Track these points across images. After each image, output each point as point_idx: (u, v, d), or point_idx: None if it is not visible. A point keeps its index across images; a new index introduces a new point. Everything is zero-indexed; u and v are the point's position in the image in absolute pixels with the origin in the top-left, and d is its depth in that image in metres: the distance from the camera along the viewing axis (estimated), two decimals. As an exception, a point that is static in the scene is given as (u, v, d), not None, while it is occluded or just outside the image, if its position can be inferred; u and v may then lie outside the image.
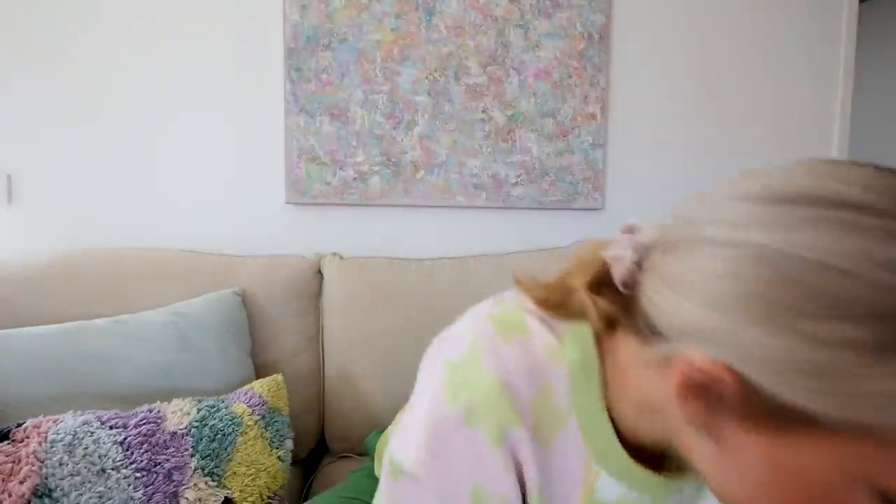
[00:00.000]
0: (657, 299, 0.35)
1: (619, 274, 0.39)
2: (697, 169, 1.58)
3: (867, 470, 0.28)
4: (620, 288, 0.39)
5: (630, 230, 0.40)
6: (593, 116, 1.47)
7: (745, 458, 0.32)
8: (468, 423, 0.39)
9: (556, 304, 0.43)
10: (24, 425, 0.73)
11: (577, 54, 1.44)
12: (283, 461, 0.89)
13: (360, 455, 1.13)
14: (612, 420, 0.41)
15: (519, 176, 1.44)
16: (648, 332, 0.36)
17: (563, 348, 0.41)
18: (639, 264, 0.38)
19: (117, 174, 1.33)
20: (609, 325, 0.40)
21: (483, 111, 1.41)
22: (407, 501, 0.40)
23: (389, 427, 0.79)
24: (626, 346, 0.40)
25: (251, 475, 0.82)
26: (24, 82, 1.28)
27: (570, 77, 1.44)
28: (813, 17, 1.62)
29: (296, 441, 0.94)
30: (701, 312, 0.31)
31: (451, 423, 0.39)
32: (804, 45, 1.62)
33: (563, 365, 0.41)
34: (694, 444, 0.36)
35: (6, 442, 0.71)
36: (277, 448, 0.88)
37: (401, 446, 0.42)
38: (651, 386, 0.37)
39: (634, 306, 0.38)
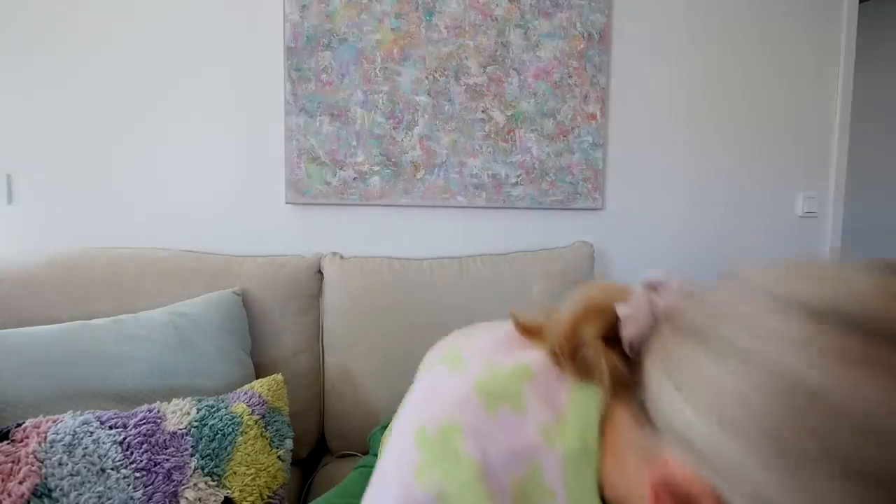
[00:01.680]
0: (657, 388, 0.32)
1: (628, 335, 0.36)
2: (697, 169, 1.58)
3: None
4: (626, 350, 0.37)
5: (653, 288, 0.37)
6: (593, 116, 1.47)
7: None
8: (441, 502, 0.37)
9: (567, 354, 0.40)
10: (24, 425, 0.73)
11: (577, 54, 1.44)
12: (283, 461, 0.89)
13: (362, 454, 1.13)
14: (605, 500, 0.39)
15: (519, 176, 1.44)
16: (644, 416, 0.33)
17: (561, 432, 0.38)
18: (652, 329, 0.35)
19: (117, 174, 1.33)
20: (618, 387, 0.37)
21: (483, 111, 1.41)
22: None
23: (392, 422, 0.78)
24: (624, 423, 0.37)
25: (251, 475, 0.82)
26: (25, 82, 1.28)
27: (570, 77, 1.44)
28: (813, 17, 1.62)
29: (296, 440, 0.94)
30: (701, 426, 0.28)
31: (420, 502, 0.38)
32: (804, 46, 1.62)
33: (559, 450, 0.38)
34: None
35: (6, 442, 0.71)
36: (277, 448, 0.88)
37: None
38: (635, 473, 0.35)
39: (638, 376, 0.35)
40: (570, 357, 0.39)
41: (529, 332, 0.43)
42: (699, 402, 0.28)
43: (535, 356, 0.41)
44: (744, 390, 0.26)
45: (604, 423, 0.38)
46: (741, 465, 0.26)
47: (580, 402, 0.39)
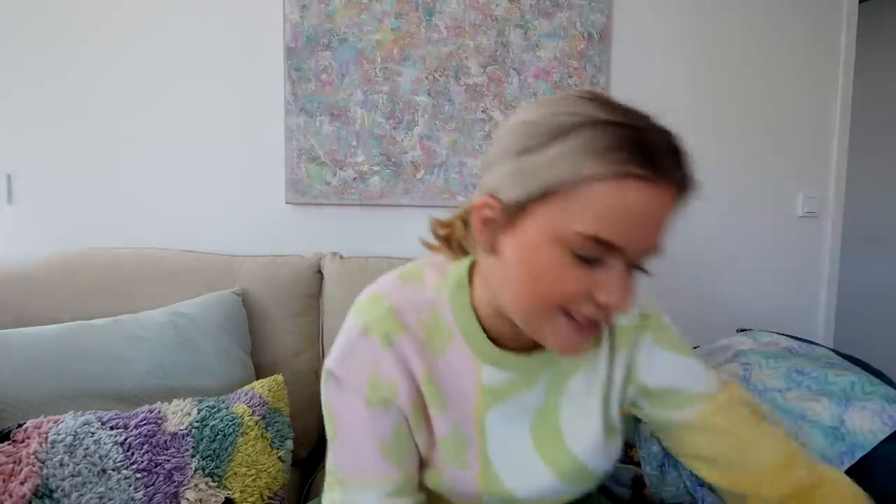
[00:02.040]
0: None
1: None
2: (697, 168, 1.58)
3: (556, 225, 0.44)
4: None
5: None
6: (593, 116, 1.47)
7: (510, 260, 0.48)
8: (365, 333, 0.54)
9: (445, 235, 0.60)
10: (25, 426, 0.73)
11: (577, 54, 1.44)
12: (283, 462, 0.89)
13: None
14: (486, 324, 0.56)
15: (519, 176, 1.44)
16: None
17: (446, 283, 0.57)
18: None
19: (117, 174, 1.33)
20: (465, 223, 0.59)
21: (483, 111, 1.41)
22: (331, 393, 0.56)
23: None
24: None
25: (251, 476, 0.82)
26: (25, 83, 1.28)
27: (570, 77, 1.44)
28: (813, 17, 1.62)
29: (296, 441, 0.95)
30: (486, 176, 0.50)
31: (354, 334, 0.55)
32: (804, 46, 1.62)
33: (446, 294, 0.57)
34: (491, 271, 0.51)
35: (7, 442, 0.71)
36: (278, 449, 0.88)
37: (327, 358, 0.56)
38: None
39: None
40: (447, 237, 0.60)
41: (431, 246, 0.62)
42: (489, 169, 0.50)
43: (438, 257, 0.61)
44: (499, 141, 0.49)
45: (474, 276, 0.57)
46: (494, 171, 0.48)
47: (457, 263, 0.58)
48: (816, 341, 1.16)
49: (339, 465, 0.56)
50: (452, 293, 0.56)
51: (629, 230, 0.44)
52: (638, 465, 1.01)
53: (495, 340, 0.56)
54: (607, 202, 0.42)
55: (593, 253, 0.44)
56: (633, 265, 0.47)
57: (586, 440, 0.57)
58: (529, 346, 0.56)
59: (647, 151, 0.44)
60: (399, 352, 0.54)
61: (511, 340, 0.56)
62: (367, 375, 0.54)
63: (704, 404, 0.58)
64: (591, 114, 0.44)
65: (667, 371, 0.59)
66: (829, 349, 1.03)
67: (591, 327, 0.48)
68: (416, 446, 0.57)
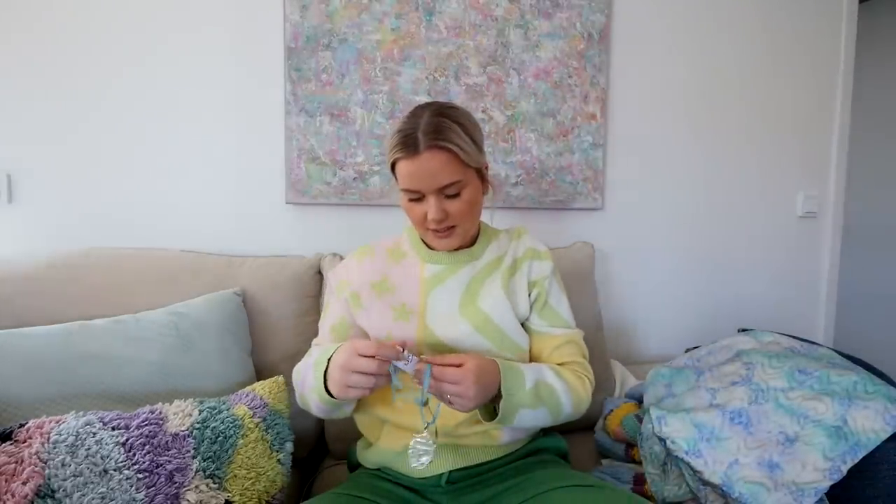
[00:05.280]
0: None
1: None
2: (697, 168, 1.58)
3: (400, 185, 0.81)
4: None
5: None
6: (593, 116, 1.47)
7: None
8: (348, 259, 0.94)
9: None
10: (27, 426, 0.73)
11: (577, 54, 1.44)
12: (282, 464, 0.88)
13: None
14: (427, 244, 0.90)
15: (519, 176, 1.44)
16: None
17: (407, 229, 0.95)
18: None
19: (117, 174, 1.33)
20: None
21: (483, 111, 1.41)
22: (327, 293, 0.97)
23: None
24: None
25: (251, 479, 0.82)
26: (24, 82, 1.28)
27: (570, 77, 1.44)
28: (813, 17, 1.62)
29: (295, 442, 0.94)
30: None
31: (345, 260, 0.95)
32: (804, 46, 1.62)
33: (406, 234, 0.94)
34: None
35: (9, 442, 0.71)
36: (277, 451, 0.88)
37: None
38: None
39: None
40: None
41: None
42: None
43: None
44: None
45: None
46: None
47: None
48: (816, 341, 1.16)
49: (319, 332, 0.93)
50: (408, 232, 0.94)
51: (416, 182, 0.78)
52: (639, 463, 1.01)
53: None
54: (401, 172, 0.79)
55: (414, 196, 0.80)
56: (445, 196, 0.79)
57: (491, 300, 0.85)
58: (451, 251, 0.89)
59: (404, 143, 0.77)
60: (363, 266, 0.91)
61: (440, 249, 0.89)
62: (338, 281, 0.92)
63: (566, 329, 0.90)
64: (396, 127, 0.80)
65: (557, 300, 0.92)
66: (831, 349, 1.03)
67: (442, 232, 0.83)
68: (358, 330, 0.89)
